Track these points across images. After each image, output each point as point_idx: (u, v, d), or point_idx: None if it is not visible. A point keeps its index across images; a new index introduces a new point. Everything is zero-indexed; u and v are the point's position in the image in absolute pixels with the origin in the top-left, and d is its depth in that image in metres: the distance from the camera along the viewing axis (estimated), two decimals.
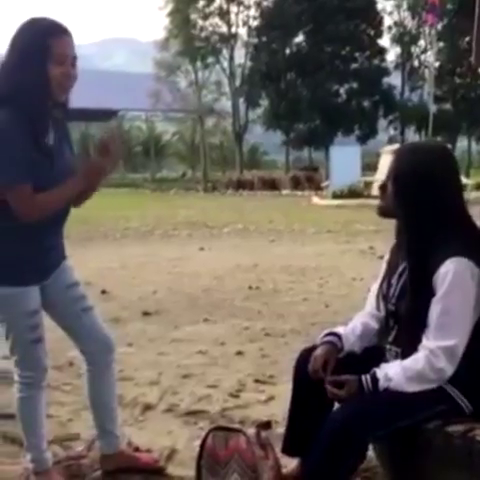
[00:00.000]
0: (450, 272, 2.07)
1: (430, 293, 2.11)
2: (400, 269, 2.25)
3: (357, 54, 41.62)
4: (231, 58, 40.93)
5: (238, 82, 41.06)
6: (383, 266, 2.39)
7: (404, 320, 2.21)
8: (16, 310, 2.39)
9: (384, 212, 2.28)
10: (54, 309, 2.54)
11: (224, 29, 40.98)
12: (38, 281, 2.43)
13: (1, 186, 2.23)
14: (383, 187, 2.26)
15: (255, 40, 41.49)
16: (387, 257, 2.38)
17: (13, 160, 2.21)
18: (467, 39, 34.28)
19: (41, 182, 2.26)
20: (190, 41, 38.61)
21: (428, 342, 2.10)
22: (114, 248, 10.45)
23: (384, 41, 44.23)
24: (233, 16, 41.06)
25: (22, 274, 2.37)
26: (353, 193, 21.04)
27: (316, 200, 22.01)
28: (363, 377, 2.13)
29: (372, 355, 2.32)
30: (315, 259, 8.97)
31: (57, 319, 2.59)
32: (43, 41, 2.22)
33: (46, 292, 2.47)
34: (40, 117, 2.27)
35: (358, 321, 2.42)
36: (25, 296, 2.39)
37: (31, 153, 2.23)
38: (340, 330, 2.40)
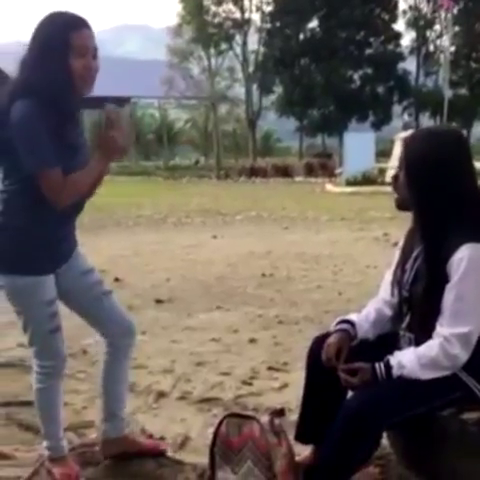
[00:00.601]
0: (465, 258, 2.05)
1: (444, 279, 2.09)
2: (414, 255, 2.24)
3: (372, 39, 41.24)
4: (244, 44, 40.69)
5: (251, 68, 40.84)
6: (397, 252, 2.37)
7: (418, 306, 2.20)
8: (34, 300, 2.40)
9: (401, 205, 2.26)
10: (71, 297, 2.54)
11: (237, 15, 40.74)
12: (52, 270, 2.44)
13: (32, 172, 2.24)
14: (395, 177, 2.25)
15: (268, 25, 41.22)
16: (401, 243, 2.37)
17: (40, 146, 2.22)
18: None
19: (64, 172, 2.27)
20: (203, 27, 38.40)
21: (442, 329, 2.09)
22: (127, 235, 10.47)
23: (399, 26, 43.83)
24: (246, 1, 40.77)
25: (37, 263, 2.38)
26: (367, 180, 20.91)
27: (330, 187, 21.92)
28: (376, 365, 2.12)
29: (385, 342, 2.31)
30: (329, 246, 8.94)
31: (75, 306, 2.59)
32: (64, 34, 2.24)
33: (60, 281, 2.47)
34: (65, 109, 2.29)
35: (372, 307, 2.41)
36: (42, 285, 2.39)
37: (54, 142, 2.24)
38: (353, 317, 2.38)
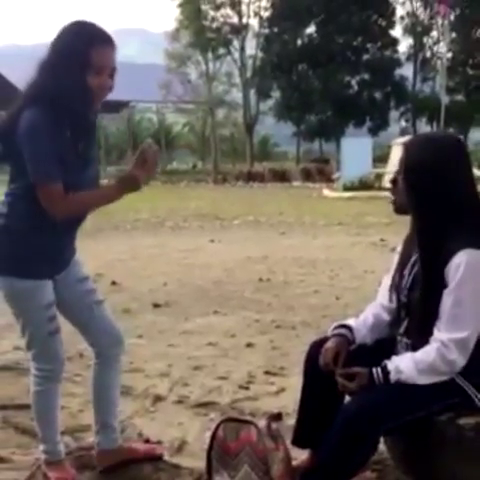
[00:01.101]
0: (462, 263, 2.05)
1: (442, 284, 2.10)
2: (412, 260, 2.24)
3: (369, 45, 41.39)
4: (242, 49, 40.79)
5: (249, 73, 40.94)
6: (395, 257, 2.38)
7: (415, 311, 2.20)
8: (32, 303, 2.40)
9: (398, 209, 2.27)
10: (65, 303, 2.54)
11: (235, 20, 40.84)
12: (51, 275, 2.44)
13: (33, 182, 2.24)
14: (394, 181, 2.25)
15: (266, 31, 41.34)
16: (400, 248, 2.37)
17: (46, 158, 2.22)
18: None
19: (72, 183, 2.27)
20: (201, 32, 38.47)
21: (440, 334, 2.09)
22: (125, 239, 10.47)
23: (396, 32, 43.90)
24: (244, 7, 40.92)
25: (37, 268, 2.38)
26: (364, 185, 20.97)
27: (327, 192, 21.95)
28: (374, 370, 2.13)
29: (383, 347, 2.31)
30: (326, 251, 8.95)
31: (68, 313, 2.59)
32: (86, 49, 2.21)
33: (57, 287, 2.48)
34: (78, 121, 2.28)
35: (370, 312, 2.41)
36: (40, 289, 2.40)
37: (64, 154, 2.24)
38: (351, 322, 2.39)
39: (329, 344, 2.31)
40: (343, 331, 2.35)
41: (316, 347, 2.38)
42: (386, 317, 2.38)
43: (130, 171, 2.33)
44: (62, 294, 2.50)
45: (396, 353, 2.24)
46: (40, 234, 2.35)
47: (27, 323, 2.43)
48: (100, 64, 2.25)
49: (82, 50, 2.21)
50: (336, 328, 2.39)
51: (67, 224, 2.40)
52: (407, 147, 2.22)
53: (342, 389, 2.19)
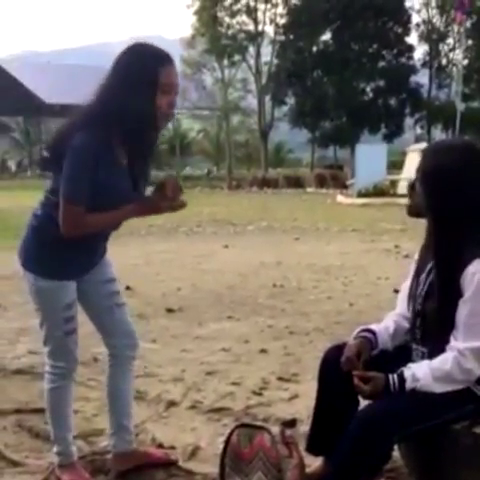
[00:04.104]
0: (478, 272, 2.04)
1: (457, 293, 2.08)
2: (428, 268, 2.23)
3: (384, 52, 41.32)
4: (258, 56, 40.84)
5: (264, 80, 40.98)
6: (413, 265, 2.37)
7: (430, 319, 2.19)
8: (52, 303, 2.44)
9: (412, 212, 2.27)
10: (88, 302, 2.58)
11: (251, 27, 40.91)
12: (77, 277, 2.49)
13: (60, 197, 2.27)
14: (412, 186, 2.25)
15: (282, 38, 41.37)
16: (417, 255, 2.36)
17: (77, 180, 2.24)
18: None
19: (116, 202, 2.31)
20: (217, 39, 38.59)
21: (456, 343, 2.08)
22: (139, 244, 10.49)
23: (412, 39, 43.99)
24: (260, 14, 40.97)
25: (63, 270, 2.42)
26: (378, 192, 20.88)
27: (341, 198, 21.89)
28: (390, 376, 2.11)
29: (399, 354, 2.30)
30: (340, 258, 8.92)
31: (89, 311, 2.62)
32: (153, 71, 2.24)
33: (82, 284, 2.51)
34: (142, 143, 2.32)
35: (390, 320, 2.40)
36: (62, 290, 2.43)
37: (106, 175, 2.25)
38: (374, 327, 2.38)
39: (352, 342, 2.31)
40: (367, 334, 2.34)
41: (332, 353, 2.37)
42: (406, 325, 2.36)
43: (154, 199, 2.38)
44: (87, 292, 2.54)
45: (412, 361, 2.22)
46: (72, 243, 2.36)
47: (45, 320, 2.48)
48: (169, 83, 2.27)
49: (151, 69, 2.23)
50: (360, 331, 2.37)
51: (101, 236, 2.46)
52: (425, 153, 2.22)
53: (356, 390, 2.17)
